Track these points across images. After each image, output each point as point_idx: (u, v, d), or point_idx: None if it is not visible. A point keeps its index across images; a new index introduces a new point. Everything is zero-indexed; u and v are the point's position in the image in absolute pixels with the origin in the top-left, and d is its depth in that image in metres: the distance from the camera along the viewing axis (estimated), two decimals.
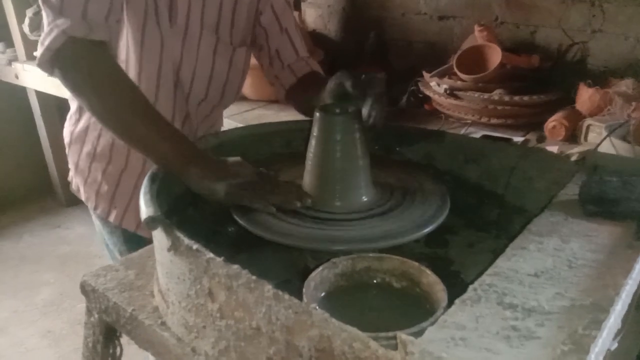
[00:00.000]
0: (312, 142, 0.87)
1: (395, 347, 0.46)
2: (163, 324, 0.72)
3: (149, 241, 0.81)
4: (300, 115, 1.15)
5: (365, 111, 0.86)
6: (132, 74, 1.03)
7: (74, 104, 1.18)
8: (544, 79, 1.72)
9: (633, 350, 0.80)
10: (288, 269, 0.82)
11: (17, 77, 2.71)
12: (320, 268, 0.67)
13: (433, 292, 0.64)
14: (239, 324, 0.59)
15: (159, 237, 0.69)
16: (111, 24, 0.91)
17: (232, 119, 1.80)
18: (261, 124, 1.14)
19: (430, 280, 0.65)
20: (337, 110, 0.87)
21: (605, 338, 0.51)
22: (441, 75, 1.78)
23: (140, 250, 0.90)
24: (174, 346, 0.69)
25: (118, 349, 0.84)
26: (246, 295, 0.56)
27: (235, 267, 0.57)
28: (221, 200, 0.84)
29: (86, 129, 1.14)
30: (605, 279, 0.57)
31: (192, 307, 0.65)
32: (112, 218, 1.16)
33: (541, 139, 1.56)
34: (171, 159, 0.86)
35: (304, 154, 0.90)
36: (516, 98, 1.61)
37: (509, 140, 1.54)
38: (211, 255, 0.60)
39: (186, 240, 0.62)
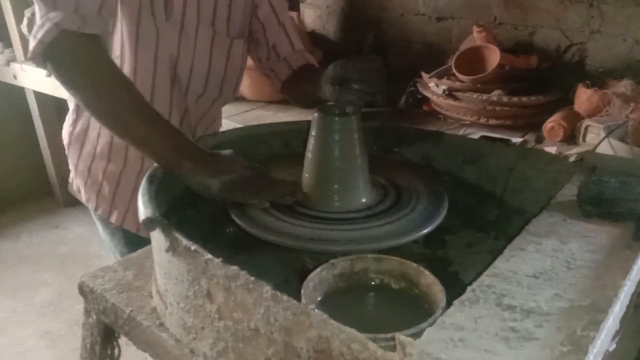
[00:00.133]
0: (311, 143, 0.87)
1: (393, 348, 0.46)
2: (161, 325, 0.72)
3: (150, 243, 0.81)
4: (298, 116, 1.16)
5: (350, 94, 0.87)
6: (127, 69, 1.03)
7: (72, 104, 1.18)
8: (543, 79, 1.72)
9: (631, 350, 0.80)
10: (286, 270, 0.82)
11: (15, 77, 2.71)
12: (319, 269, 0.67)
13: (432, 293, 0.64)
14: (237, 325, 0.59)
15: (157, 237, 0.69)
16: (104, 17, 0.90)
17: (231, 120, 1.80)
18: (260, 124, 1.14)
19: (429, 281, 0.65)
20: (336, 111, 0.87)
21: (604, 339, 0.51)
22: (440, 76, 1.78)
23: (139, 251, 0.90)
24: (172, 347, 0.69)
25: (116, 350, 0.84)
26: (245, 296, 0.56)
27: (234, 268, 0.57)
28: (215, 196, 0.84)
29: (85, 129, 1.14)
30: (604, 280, 0.57)
31: (190, 308, 0.65)
32: (113, 219, 1.16)
33: (540, 139, 1.56)
34: (164, 154, 0.86)
35: (303, 154, 0.90)
36: (515, 99, 1.61)
37: (507, 141, 1.54)
38: (209, 256, 0.59)
39: (184, 241, 0.62)
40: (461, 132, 1.65)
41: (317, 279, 0.67)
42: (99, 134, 1.12)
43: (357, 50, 2.25)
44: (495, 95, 1.64)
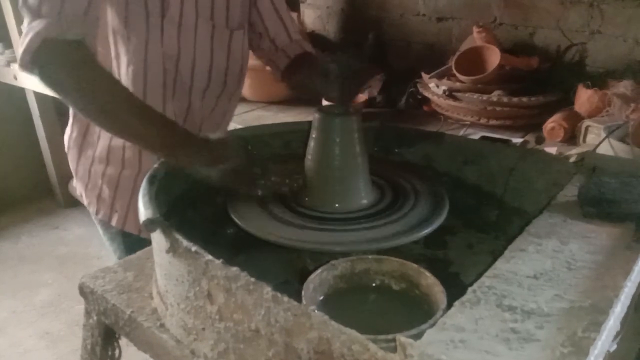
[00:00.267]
0: (311, 144, 0.87)
1: (394, 350, 0.46)
2: (162, 325, 0.72)
3: (150, 245, 0.81)
4: (298, 117, 1.16)
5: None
6: (123, 69, 1.03)
7: (70, 109, 1.18)
8: (543, 80, 1.72)
9: (632, 351, 0.80)
10: (287, 270, 0.82)
11: (15, 78, 2.71)
12: (320, 270, 0.67)
13: (432, 294, 0.64)
14: (238, 326, 0.59)
15: (157, 238, 0.69)
16: (90, 19, 0.91)
17: (232, 120, 1.80)
18: (260, 125, 1.14)
19: (430, 282, 0.65)
20: (336, 112, 0.87)
21: (605, 340, 0.51)
22: (440, 77, 1.78)
23: (139, 252, 0.90)
24: (172, 348, 0.69)
25: (117, 351, 0.84)
26: (245, 297, 0.56)
27: (234, 269, 0.57)
28: (212, 184, 0.86)
29: (83, 134, 1.14)
30: (605, 281, 0.57)
31: (191, 309, 0.65)
32: (114, 222, 1.16)
33: (540, 140, 1.56)
34: (160, 147, 0.88)
35: (303, 155, 0.90)
36: (515, 99, 1.61)
37: (507, 141, 1.54)
38: (210, 257, 0.59)
39: (185, 242, 0.62)
40: (461, 132, 1.65)
41: (318, 280, 0.67)
42: (98, 138, 1.12)
43: (358, 50, 2.25)
44: (495, 95, 1.64)
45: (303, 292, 0.63)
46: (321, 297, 0.67)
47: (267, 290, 0.54)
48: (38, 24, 0.86)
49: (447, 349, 0.47)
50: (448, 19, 2.06)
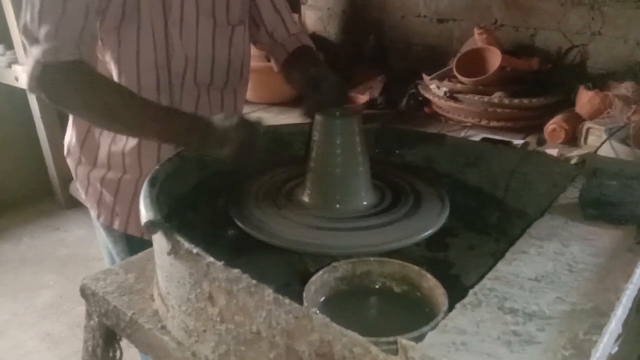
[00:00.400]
0: (313, 146, 0.87)
1: (395, 352, 0.46)
2: (163, 327, 0.72)
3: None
4: (299, 119, 1.16)
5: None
6: (115, 79, 1.05)
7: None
8: (544, 81, 1.72)
9: (633, 353, 0.80)
10: (288, 272, 0.82)
11: (17, 79, 2.71)
12: (321, 272, 0.67)
13: (433, 296, 0.64)
14: (239, 328, 0.59)
15: (159, 240, 0.69)
16: (86, 38, 0.94)
17: None
18: None
19: (431, 284, 0.65)
20: (338, 114, 0.88)
21: (606, 343, 0.51)
22: (441, 78, 1.78)
23: (140, 254, 0.90)
24: (174, 350, 0.69)
25: (118, 353, 0.84)
26: (246, 299, 0.56)
27: (236, 271, 0.57)
28: (228, 164, 0.89)
29: (82, 140, 1.15)
30: (606, 283, 0.57)
31: (192, 311, 0.65)
32: (116, 225, 1.16)
33: (541, 141, 1.56)
34: (171, 138, 0.93)
35: (305, 157, 0.90)
36: (516, 101, 1.61)
37: (508, 143, 1.54)
38: (211, 259, 0.59)
39: (186, 244, 0.62)
40: (462, 134, 1.65)
41: (319, 282, 0.67)
42: (98, 144, 1.13)
43: (359, 52, 2.25)
44: (496, 97, 1.64)
45: (304, 294, 0.63)
46: (322, 299, 0.67)
47: (269, 293, 0.54)
48: (36, 50, 0.91)
49: (448, 352, 0.47)
50: (449, 20, 2.06)
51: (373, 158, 0.90)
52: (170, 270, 0.67)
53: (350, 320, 0.55)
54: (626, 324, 0.59)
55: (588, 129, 1.47)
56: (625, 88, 1.50)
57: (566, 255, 0.62)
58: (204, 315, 0.63)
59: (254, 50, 1.26)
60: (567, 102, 1.64)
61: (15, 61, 2.72)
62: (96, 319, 0.81)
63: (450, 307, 0.54)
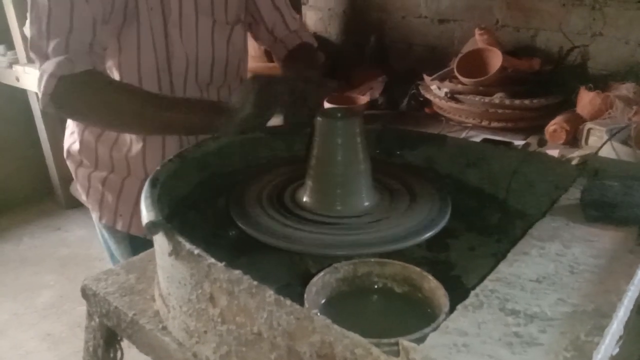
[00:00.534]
0: (313, 147, 0.87)
1: (397, 354, 0.46)
2: (164, 328, 0.72)
3: None
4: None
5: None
6: (133, 70, 1.05)
7: None
8: (545, 82, 1.72)
9: (634, 354, 0.80)
10: (289, 273, 0.82)
11: (17, 79, 2.71)
12: (322, 273, 0.67)
13: (435, 298, 0.64)
14: (240, 329, 0.59)
15: (160, 241, 0.69)
16: (97, 49, 0.95)
17: None
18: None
19: (432, 285, 0.65)
20: (339, 115, 0.87)
21: (608, 344, 0.51)
22: (442, 79, 1.78)
23: (141, 254, 0.90)
24: (175, 351, 0.69)
25: (119, 353, 0.84)
26: (247, 300, 0.56)
27: (237, 272, 0.57)
28: (257, 120, 0.93)
29: (84, 142, 1.15)
30: (607, 285, 0.57)
31: (193, 311, 0.65)
32: (119, 226, 1.16)
33: (542, 142, 1.56)
34: (198, 125, 0.95)
35: (306, 158, 0.90)
36: (517, 101, 1.61)
37: (509, 143, 1.54)
38: (212, 260, 0.59)
39: (187, 245, 0.62)
40: (463, 134, 1.65)
41: (320, 283, 0.66)
42: (96, 147, 1.13)
43: (359, 52, 2.25)
44: (497, 97, 1.64)
45: (305, 295, 0.63)
46: (323, 301, 0.67)
47: (270, 294, 0.54)
48: (49, 65, 0.90)
49: (450, 353, 0.47)
50: (450, 21, 2.06)
51: (374, 159, 0.90)
52: (171, 271, 0.67)
53: (352, 321, 0.55)
54: (627, 325, 0.59)
55: (589, 130, 1.48)
56: (626, 89, 1.50)
57: (567, 257, 0.62)
58: (205, 316, 0.63)
59: (253, 50, 1.26)
60: (568, 103, 1.64)
61: (16, 62, 2.72)
62: (97, 320, 0.81)
63: (452, 309, 0.54)
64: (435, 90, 1.77)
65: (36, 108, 2.91)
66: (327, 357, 0.50)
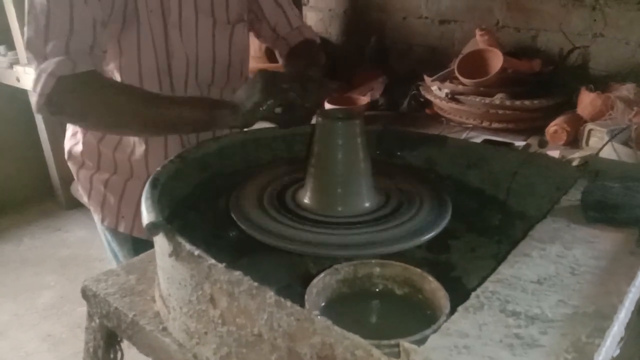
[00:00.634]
0: (314, 147, 0.87)
1: (397, 355, 0.46)
2: (164, 329, 0.72)
3: None
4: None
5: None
6: (133, 72, 1.05)
7: None
8: (545, 83, 1.72)
9: (635, 355, 0.80)
10: (289, 274, 0.82)
11: (18, 80, 2.71)
12: (323, 274, 0.67)
13: (435, 299, 0.64)
14: (240, 331, 0.59)
15: (160, 242, 0.68)
16: (97, 52, 0.94)
17: None
18: (262, 128, 1.13)
19: (433, 286, 0.65)
20: (339, 116, 0.87)
21: (609, 346, 0.50)
22: (442, 80, 1.78)
23: (142, 255, 0.90)
24: (175, 352, 0.69)
25: (119, 354, 0.84)
26: (248, 301, 0.56)
27: (237, 273, 0.57)
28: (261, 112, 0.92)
29: (87, 144, 1.15)
30: (608, 286, 0.57)
31: (193, 313, 0.65)
32: (121, 228, 1.16)
33: (543, 143, 1.56)
34: (202, 119, 0.93)
35: (306, 158, 0.89)
36: (517, 102, 1.61)
37: (510, 144, 1.54)
38: (213, 261, 0.59)
39: (188, 246, 0.62)
40: (464, 135, 1.65)
41: (321, 285, 0.66)
42: (99, 149, 1.13)
43: (360, 53, 2.25)
44: (498, 98, 1.64)
45: (306, 297, 0.63)
46: (324, 302, 0.67)
47: (270, 295, 0.54)
48: (48, 65, 0.88)
49: (450, 355, 0.47)
50: (450, 21, 2.06)
51: (374, 159, 0.90)
52: (171, 272, 0.67)
53: (352, 322, 0.55)
54: (628, 327, 0.58)
55: (590, 131, 1.47)
56: (627, 90, 1.50)
57: (568, 258, 0.62)
58: (206, 317, 0.63)
59: (254, 51, 1.26)
60: (568, 104, 1.64)
61: (16, 62, 2.72)
62: (97, 321, 0.81)
63: (452, 310, 0.54)
64: (436, 91, 1.77)
65: None
66: (327, 359, 0.50)
